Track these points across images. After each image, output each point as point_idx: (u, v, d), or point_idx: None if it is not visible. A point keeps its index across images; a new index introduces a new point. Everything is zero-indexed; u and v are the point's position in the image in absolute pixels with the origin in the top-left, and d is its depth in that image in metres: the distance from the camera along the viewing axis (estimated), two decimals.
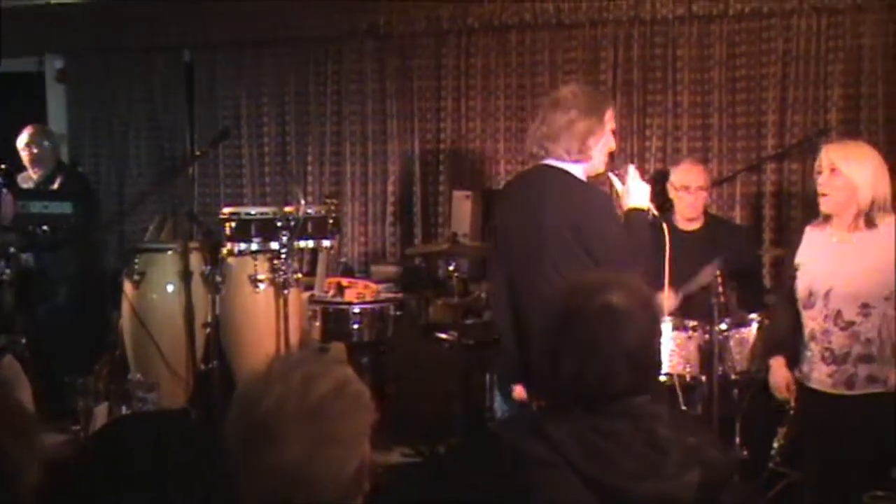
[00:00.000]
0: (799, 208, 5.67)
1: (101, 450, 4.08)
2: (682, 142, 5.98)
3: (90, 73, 7.57)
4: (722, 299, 4.28)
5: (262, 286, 5.28)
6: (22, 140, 6.50)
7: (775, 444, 4.48)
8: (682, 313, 4.42)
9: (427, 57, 6.68)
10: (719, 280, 4.26)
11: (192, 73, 7.34)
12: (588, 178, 3.84)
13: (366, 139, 6.87)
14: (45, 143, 6.58)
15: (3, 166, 6.03)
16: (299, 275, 5.48)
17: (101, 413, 4.71)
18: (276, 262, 5.19)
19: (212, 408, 4.85)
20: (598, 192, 3.86)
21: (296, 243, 5.22)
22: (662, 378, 4.25)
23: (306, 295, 5.55)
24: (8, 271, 5.58)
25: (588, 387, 2.25)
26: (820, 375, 3.86)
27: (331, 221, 5.41)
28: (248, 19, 7.00)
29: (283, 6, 6.85)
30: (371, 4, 6.68)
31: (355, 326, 5.36)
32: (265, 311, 5.23)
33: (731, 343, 4.44)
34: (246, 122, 7.16)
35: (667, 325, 4.29)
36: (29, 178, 6.55)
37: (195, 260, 5.20)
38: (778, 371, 4.04)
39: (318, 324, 5.38)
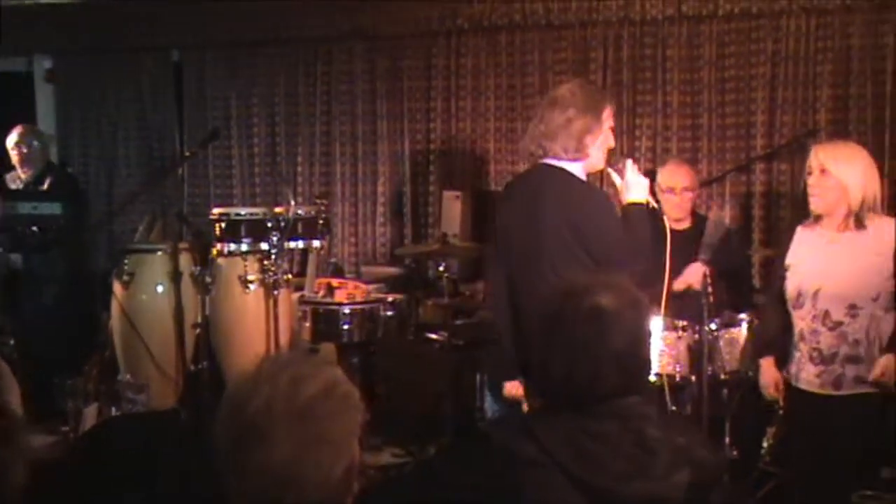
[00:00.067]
0: (788, 208, 5.69)
1: (90, 451, 4.07)
2: (672, 142, 5.99)
3: (79, 73, 7.56)
4: (711, 299, 4.29)
5: (251, 287, 5.27)
6: (11, 140, 6.48)
7: (765, 444, 4.49)
8: (672, 313, 4.43)
9: (417, 57, 6.68)
10: (708, 280, 4.26)
11: (182, 73, 7.33)
12: (587, 175, 3.85)
13: (356, 140, 6.87)
14: (35, 143, 6.56)
15: None
16: (289, 275, 5.46)
17: (90, 414, 4.70)
18: (265, 262, 5.18)
19: (201, 408, 4.84)
20: (596, 191, 3.87)
21: (286, 244, 5.21)
22: (652, 378, 4.25)
23: (296, 295, 5.55)
24: None
25: (577, 388, 2.25)
26: (808, 375, 3.87)
27: (321, 222, 5.40)
28: (237, 20, 6.99)
29: (273, 7, 6.84)
30: (361, 5, 6.67)
31: (345, 327, 5.35)
32: (255, 312, 5.22)
33: (721, 343, 4.45)
34: (236, 123, 7.15)
35: (657, 325, 4.29)
36: (17, 178, 6.53)
37: (185, 260, 5.19)
38: (767, 371, 4.05)
39: (308, 324, 5.37)
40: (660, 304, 3.95)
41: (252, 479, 1.77)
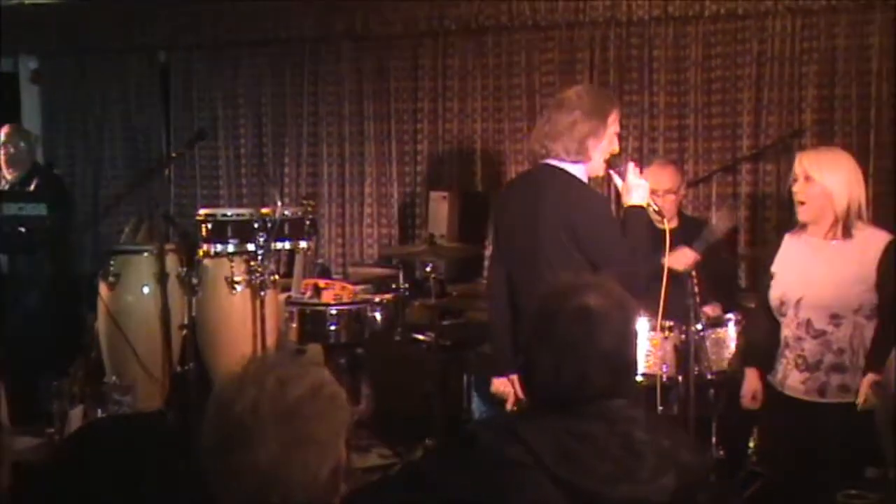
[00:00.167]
0: (774, 209, 5.71)
1: (75, 453, 4.05)
2: (659, 142, 6.00)
3: (65, 74, 7.54)
4: (697, 300, 4.29)
5: (238, 288, 5.26)
6: None
7: (751, 444, 4.50)
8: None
9: (404, 58, 6.69)
10: (695, 281, 4.27)
11: (168, 74, 7.32)
12: (589, 178, 3.87)
13: (343, 140, 6.87)
14: (22, 143, 6.53)
15: None
16: (276, 276, 5.46)
17: (76, 416, 4.68)
18: (252, 263, 5.18)
19: (188, 410, 4.82)
20: (594, 193, 3.88)
21: (272, 245, 5.21)
22: (639, 378, 4.26)
23: (283, 296, 5.54)
24: None
25: (565, 388, 2.25)
26: (794, 382, 3.88)
27: (308, 223, 5.39)
28: (224, 20, 6.99)
29: (260, 8, 6.83)
30: (348, 5, 6.67)
31: (332, 328, 5.34)
32: (242, 313, 5.21)
33: (708, 343, 4.45)
34: (222, 124, 7.14)
35: (643, 326, 4.30)
36: (3, 178, 6.51)
37: (171, 262, 5.18)
38: (749, 381, 4.08)
39: (294, 325, 5.36)
40: (657, 306, 3.98)
41: (238, 479, 1.77)
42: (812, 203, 3.84)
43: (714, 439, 4.50)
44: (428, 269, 5.52)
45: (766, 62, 5.76)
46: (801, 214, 3.89)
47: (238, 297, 5.26)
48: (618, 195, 4.11)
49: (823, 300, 3.78)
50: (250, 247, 5.16)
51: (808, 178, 3.83)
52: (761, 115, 5.79)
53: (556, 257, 3.68)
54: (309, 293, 5.50)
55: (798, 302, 3.83)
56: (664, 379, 4.38)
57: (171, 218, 5.53)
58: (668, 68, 5.99)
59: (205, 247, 5.26)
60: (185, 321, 5.13)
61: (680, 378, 4.35)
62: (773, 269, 3.98)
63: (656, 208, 3.94)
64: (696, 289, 4.24)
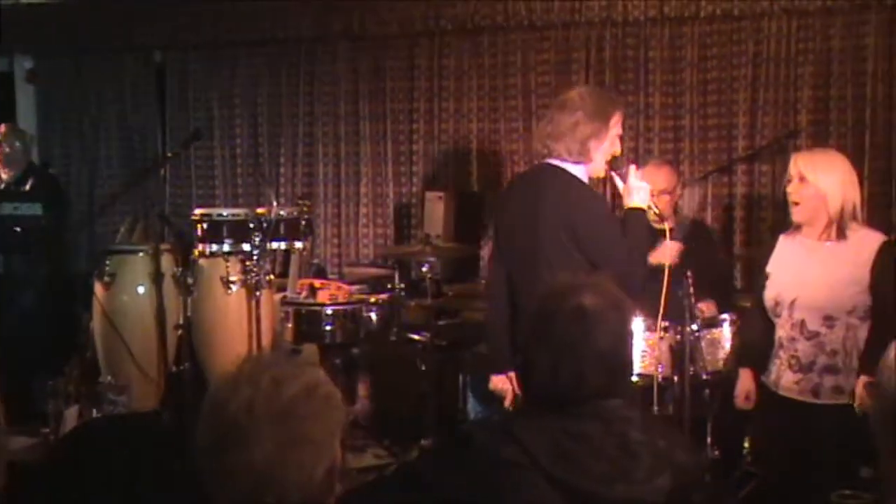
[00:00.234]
0: (769, 209, 5.71)
1: (71, 453, 4.05)
2: (654, 143, 6.01)
3: (60, 74, 7.53)
4: (693, 300, 4.30)
5: (233, 288, 5.25)
6: None
7: (746, 444, 4.50)
8: (654, 314, 4.44)
9: (400, 58, 6.69)
10: (690, 281, 4.27)
11: (164, 74, 7.31)
12: (590, 179, 3.89)
13: (338, 140, 6.87)
14: (17, 143, 6.52)
15: None
16: (271, 276, 5.45)
17: (71, 416, 4.67)
18: (248, 263, 5.17)
19: (183, 410, 4.82)
20: (594, 194, 3.90)
21: (268, 245, 5.21)
22: (634, 379, 4.27)
23: (279, 296, 5.54)
24: None
25: (561, 388, 2.25)
26: (787, 383, 3.89)
27: (303, 223, 5.39)
28: (220, 20, 6.98)
29: (255, 8, 6.83)
30: (344, 6, 6.67)
31: (328, 328, 5.33)
32: (237, 313, 5.21)
33: (703, 344, 4.45)
34: (218, 124, 7.14)
35: (638, 326, 4.30)
36: None
37: (166, 261, 5.18)
38: (742, 382, 4.09)
39: (290, 325, 5.36)
40: (653, 306, 3.99)
41: (233, 479, 1.77)
42: (806, 204, 3.85)
43: (709, 439, 4.50)
44: (424, 269, 5.52)
45: (762, 63, 5.77)
46: (795, 215, 3.90)
47: (233, 297, 5.26)
48: (618, 196, 4.12)
49: (817, 301, 3.78)
50: (246, 247, 5.16)
51: (802, 179, 3.84)
52: (757, 116, 5.80)
53: (555, 257, 3.70)
54: (304, 293, 5.49)
55: (792, 303, 3.84)
56: (660, 379, 4.39)
57: (167, 218, 5.53)
58: (664, 69, 6.00)
59: (200, 247, 5.26)
60: (181, 321, 5.13)
61: (675, 378, 4.36)
62: (768, 269, 3.99)
63: (657, 211, 3.96)
64: (692, 289, 4.25)
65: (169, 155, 6.95)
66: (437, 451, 4.91)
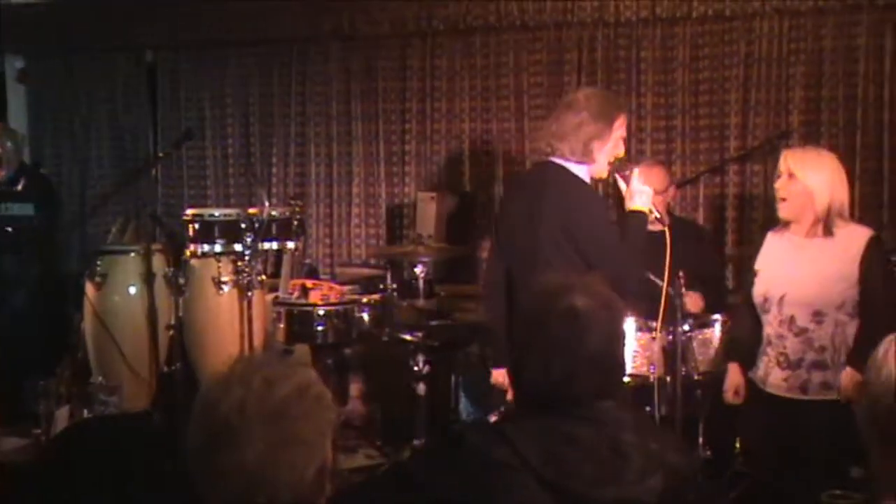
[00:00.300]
0: (761, 210, 5.72)
1: (62, 453, 4.04)
2: (646, 143, 6.01)
3: (51, 74, 7.50)
4: (685, 300, 4.30)
5: (225, 288, 5.24)
6: None
7: (738, 445, 4.51)
8: (646, 314, 4.44)
9: (392, 58, 6.68)
10: (682, 281, 4.28)
11: (155, 74, 7.30)
12: (592, 179, 3.93)
13: (330, 140, 6.86)
14: (9, 143, 6.48)
15: None
16: (263, 277, 5.44)
17: (62, 416, 4.66)
18: (239, 263, 5.16)
19: (175, 410, 4.81)
20: (594, 195, 3.93)
21: (260, 245, 5.19)
22: (626, 379, 4.27)
23: (270, 297, 5.53)
24: None
25: (553, 389, 2.25)
26: (775, 380, 3.90)
27: (295, 223, 5.38)
28: (211, 20, 6.96)
29: (247, 7, 6.81)
30: (336, 6, 6.66)
31: (320, 328, 5.33)
32: (229, 313, 5.20)
33: (695, 344, 4.46)
34: (210, 124, 7.12)
35: (630, 326, 4.31)
36: None
37: (158, 262, 5.17)
38: (731, 376, 4.10)
39: (282, 326, 5.35)
40: (657, 311, 4.01)
41: (225, 479, 1.77)
42: (793, 200, 3.87)
43: (701, 440, 4.50)
44: (416, 269, 5.52)
45: (754, 63, 5.78)
46: (782, 211, 3.93)
47: (225, 298, 5.25)
48: (619, 198, 4.15)
49: (807, 297, 3.80)
50: (237, 247, 5.15)
51: (791, 176, 3.86)
52: (748, 117, 5.81)
53: (553, 256, 3.75)
54: (296, 293, 5.49)
55: (781, 299, 3.85)
56: (652, 379, 4.39)
57: (158, 218, 5.52)
58: (656, 69, 6.00)
59: (192, 247, 5.25)
60: (172, 321, 5.12)
61: (668, 379, 4.36)
62: (757, 266, 4.01)
63: (658, 215, 3.97)
64: (683, 290, 4.25)
65: (160, 155, 6.94)
66: (428, 451, 4.91)
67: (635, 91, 6.03)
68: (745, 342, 4.07)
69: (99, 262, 5.36)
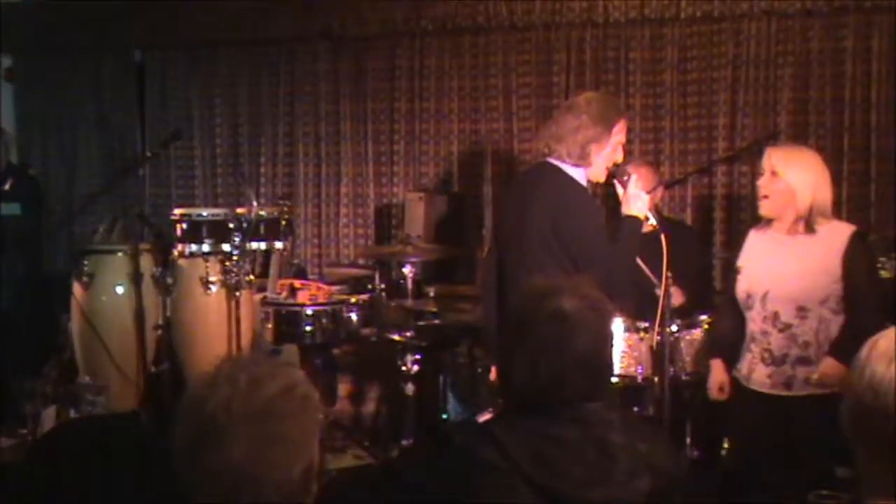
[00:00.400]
0: (749, 210, 5.72)
1: (48, 453, 4.02)
2: (635, 144, 6.00)
3: (39, 73, 7.48)
4: (671, 300, 4.31)
5: (213, 288, 5.23)
6: None
7: (725, 445, 4.52)
8: (634, 315, 4.45)
9: (381, 58, 6.68)
10: (670, 281, 4.29)
11: (144, 73, 7.28)
12: (588, 182, 3.95)
13: (319, 140, 6.85)
14: None
15: None
16: (251, 277, 5.43)
17: (49, 416, 4.65)
18: (227, 263, 5.15)
19: (162, 410, 4.80)
20: (586, 197, 3.94)
21: (248, 245, 5.19)
22: (614, 380, 4.28)
23: (258, 297, 5.52)
24: None
25: (540, 391, 2.25)
26: (759, 376, 3.91)
27: (283, 223, 5.37)
28: (200, 20, 6.95)
29: (236, 7, 6.81)
30: (325, 5, 6.66)
31: (308, 328, 5.32)
32: (217, 313, 5.19)
33: (682, 344, 4.47)
34: (198, 123, 7.11)
35: (618, 327, 4.31)
36: None
37: (146, 262, 5.15)
38: (715, 373, 4.11)
39: (270, 326, 5.34)
40: (644, 312, 4.03)
41: (210, 478, 1.77)
42: (775, 198, 3.89)
43: (689, 440, 4.51)
44: (404, 269, 5.52)
45: (742, 65, 5.80)
46: (763, 208, 3.95)
47: (213, 298, 5.24)
48: (615, 202, 4.18)
49: (790, 293, 3.82)
50: (225, 247, 5.14)
51: (774, 174, 3.88)
52: (737, 118, 5.82)
53: (543, 256, 3.78)
54: (284, 293, 5.48)
55: (765, 295, 3.87)
56: (640, 380, 4.40)
57: (146, 218, 5.51)
58: (645, 70, 6.01)
59: (180, 247, 5.24)
60: (160, 321, 5.11)
61: (656, 379, 4.37)
62: (739, 263, 4.03)
63: (654, 222, 3.97)
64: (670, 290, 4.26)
65: (148, 155, 6.92)
66: (416, 451, 4.92)
67: (624, 92, 6.03)
68: (728, 339, 4.08)
69: (86, 262, 5.35)
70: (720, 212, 5.86)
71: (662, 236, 3.94)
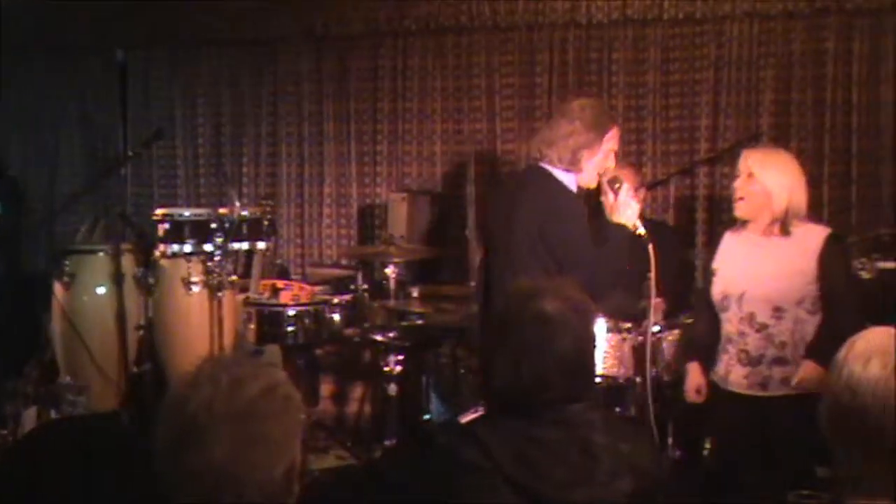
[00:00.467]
0: (730, 211, 5.71)
1: (29, 454, 4.01)
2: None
3: (21, 72, 7.44)
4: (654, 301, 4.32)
5: (195, 288, 5.20)
6: None
7: (707, 445, 4.53)
8: (617, 315, 4.46)
9: (364, 58, 6.67)
10: (652, 282, 4.30)
11: (126, 73, 7.24)
12: (578, 188, 3.97)
13: (302, 140, 6.84)
14: None
15: None
16: (234, 277, 5.41)
17: (29, 417, 4.63)
18: (209, 264, 5.13)
19: (144, 410, 4.78)
20: (571, 200, 3.95)
21: (230, 245, 5.17)
22: (597, 380, 4.28)
23: (241, 297, 5.50)
24: None
25: (523, 393, 2.26)
26: (736, 377, 3.93)
27: (266, 223, 5.36)
28: (183, 20, 6.93)
29: (219, 7, 6.79)
30: (307, 6, 6.65)
31: (290, 329, 5.31)
32: (199, 314, 5.17)
33: (665, 345, 4.48)
34: (180, 123, 7.09)
35: (601, 327, 4.32)
36: None
37: (127, 262, 5.12)
38: (692, 376, 4.12)
39: (252, 326, 5.33)
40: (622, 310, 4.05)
41: (192, 478, 1.77)
42: (751, 200, 3.91)
43: (671, 440, 4.52)
44: (387, 270, 5.52)
45: (724, 66, 5.82)
46: (739, 210, 3.97)
47: (195, 298, 5.21)
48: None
49: (766, 293, 3.84)
50: (208, 247, 5.12)
51: (750, 175, 3.91)
52: (719, 119, 5.84)
53: (528, 258, 3.79)
54: (267, 294, 5.47)
55: (741, 296, 3.89)
56: (622, 380, 4.41)
57: (128, 217, 5.47)
58: (627, 71, 6.03)
59: (162, 247, 5.21)
60: (142, 322, 5.08)
61: (638, 379, 4.38)
62: (714, 265, 4.05)
63: (642, 232, 3.97)
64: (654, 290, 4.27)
65: (130, 154, 6.88)
66: (399, 452, 4.92)
67: (606, 92, 6.05)
68: (704, 341, 4.09)
69: (67, 262, 5.32)
70: (702, 213, 5.88)
71: (650, 246, 3.94)
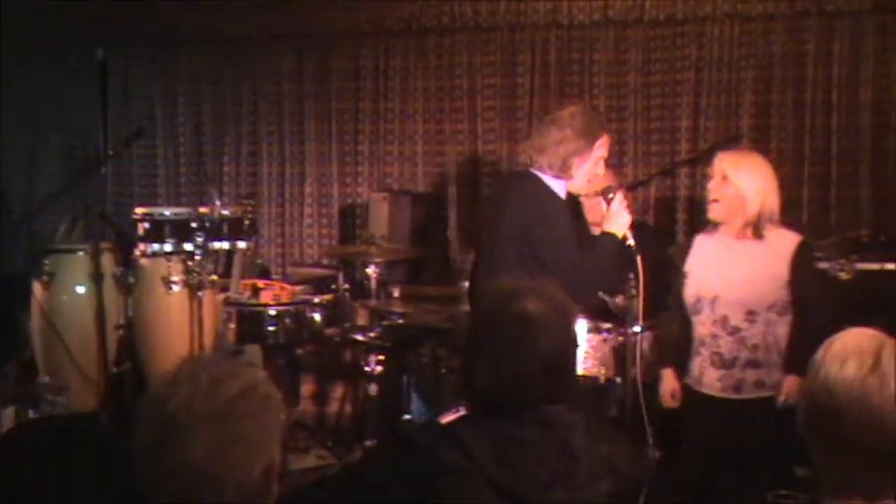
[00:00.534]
0: None
1: (7, 453, 3.99)
2: None
3: (0, 71, 7.40)
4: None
5: (175, 288, 5.19)
6: None
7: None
8: (598, 316, 4.47)
9: (345, 58, 6.67)
10: (632, 282, 4.30)
11: (106, 71, 7.21)
12: (567, 194, 3.99)
13: (283, 140, 6.83)
14: None
15: None
16: (214, 276, 5.40)
17: (8, 416, 4.61)
18: (190, 263, 5.12)
19: (123, 410, 4.76)
20: (557, 206, 3.95)
21: (211, 245, 5.16)
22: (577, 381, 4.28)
23: (221, 297, 5.49)
24: None
25: (504, 393, 2.26)
26: (710, 380, 3.94)
27: (247, 223, 5.35)
28: (164, 18, 6.90)
29: (200, 6, 6.77)
30: (289, 5, 6.63)
31: (271, 328, 5.30)
32: (179, 313, 5.15)
33: (645, 345, 4.48)
34: (161, 122, 7.07)
35: (582, 328, 4.33)
36: None
37: (107, 261, 5.10)
38: (666, 381, 4.13)
39: (233, 326, 5.32)
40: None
41: (171, 477, 1.77)
42: (724, 202, 3.92)
43: (651, 440, 4.53)
44: (368, 269, 5.52)
45: (705, 67, 5.84)
46: (712, 212, 3.98)
47: (175, 298, 5.20)
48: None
49: (740, 297, 3.85)
50: (188, 246, 5.11)
51: (724, 178, 3.92)
52: (699, 120, 5.86)
53: (513, 260, 3.81)
54: (248, 293, 5.46)
55: (714, 299, 3.90)
56: (603, 380, 4.42)
57: (108, 217, 5.45)
58: (609, 72, 6.04)
59: (142, 246, 5.20)
60: (122, 321, 5.06)
61: (618, 379, 4.38)
62: (687, 268, 4.05)
63: (632, 243, 3.97)
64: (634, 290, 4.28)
65: (110, 153, 6.85)
66: (380, 452, 4.91)
67: (588, 93, 6.06)
68: (676, 346, 4.10)
69: (47, 261, 5.29)
70: (683, 213, 5.90)
71: (639, 258, 3.95)
